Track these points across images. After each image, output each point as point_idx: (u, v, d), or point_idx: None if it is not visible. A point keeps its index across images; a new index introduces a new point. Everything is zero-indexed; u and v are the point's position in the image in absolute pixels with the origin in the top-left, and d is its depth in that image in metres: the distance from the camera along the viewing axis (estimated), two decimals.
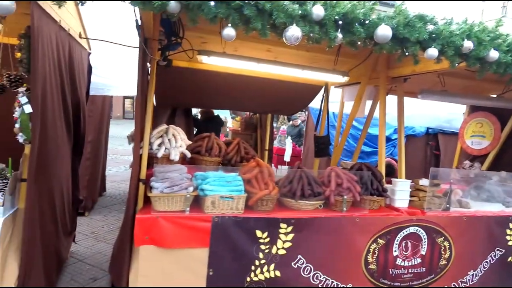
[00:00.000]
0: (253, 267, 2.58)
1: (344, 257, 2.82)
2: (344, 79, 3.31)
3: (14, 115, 2.01)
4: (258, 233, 2.56)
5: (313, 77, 3.44)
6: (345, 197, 2.81)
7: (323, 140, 4.36)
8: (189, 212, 2.45)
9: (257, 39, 3.45)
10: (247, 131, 6.54)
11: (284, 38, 1.97)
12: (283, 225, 2.61)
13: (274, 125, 8.71)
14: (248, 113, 6.89)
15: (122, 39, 3.69)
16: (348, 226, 2.80)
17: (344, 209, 2.82)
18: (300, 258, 2.69)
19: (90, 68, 3.63)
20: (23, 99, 2.00)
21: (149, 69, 2.81)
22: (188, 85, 4.15)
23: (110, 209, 5.66)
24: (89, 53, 3.63)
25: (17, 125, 1.99)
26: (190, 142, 3.10)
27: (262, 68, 3.11)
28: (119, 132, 12.73)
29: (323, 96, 4.38)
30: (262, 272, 2.60)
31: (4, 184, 2.35)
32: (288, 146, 8.35)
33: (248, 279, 2.58)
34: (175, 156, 2.82)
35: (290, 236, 2.64)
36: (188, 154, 2.96)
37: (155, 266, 2.39)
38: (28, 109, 1.98)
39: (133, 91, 5.09)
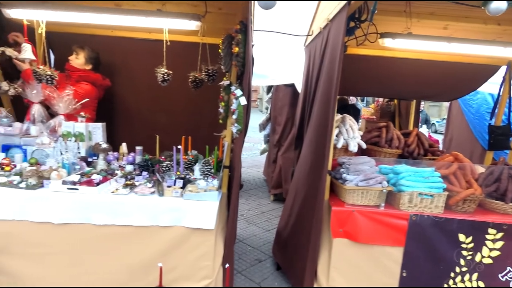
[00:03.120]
0: (452, 274, 2.30)
1: None
2: None
3: (231, 107, 2.15)
4: (461, 237, 2.26)
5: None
6: None
7: (502, 131, 3.67)
8: (383, 207, 2.31)
9: (434, 16, 3.08)
10: (383, 119, 6.07)
11: None
12: (492, 231, 2.25)
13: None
14: (382, 99, 6.38)
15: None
16: None
17: None
18: (510, 271, 2.30)
19: (253, 59, 3.78)
20: (238, 92, 2.12)
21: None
22: (344, 72, 3.99)
23: (249, 193, 5.99)
24: (253, 45, 3.77)
25: (234, 116, 2.13)
26: (361, 132, 2.94)
27: (452, 49, 2.70)
28: None
29: (503, 78, 3.67)
30: (462, 281, 2.31)
31: (208, 169, 2.59)
32: None
33: (446, 286, 2.32)
34: (354, 147, 2.71)
35: (499, 244, 2.27)
36: (364, 145, 2.81)
37: (347, 260, 2.33)
38: (243, 101, 2.09)
39: (281, 80, 5.21)
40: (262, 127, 6.99)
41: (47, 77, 2.64)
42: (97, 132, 2.98)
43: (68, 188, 2.25)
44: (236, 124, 2.12)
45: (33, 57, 2.79)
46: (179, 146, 2.65)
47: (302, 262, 2.60)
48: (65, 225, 2.24)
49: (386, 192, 2.29)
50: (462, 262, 2.28)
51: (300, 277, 2.61)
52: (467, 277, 2.30)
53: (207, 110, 3.79)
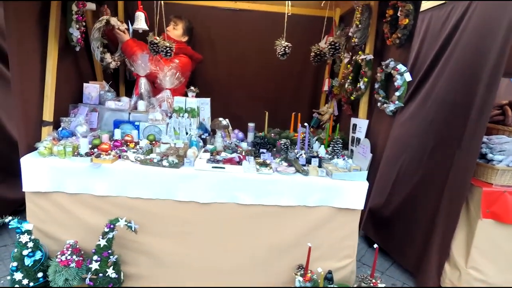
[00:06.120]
0: None
1: None
2: None
3: (395, 83, 2.03)
4: None
5: None
6: None
7: None
8: None
9: None
10: None
11: None
12: None
13: None
14: None
15: None
16: None
17: None
18: None
19: None
20: (401, 67, 1.99)
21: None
22: None
23: None
24: None
25: (397, 93, 2.01)
26: None
27: None
28: None
29: None
30: None
31: (339, 148, 2.50)
32: None
33: None
34: None
35: None
36: None
37: (489, 240, 2.32)
38: (408, 77, 1.98)
39: None
40: None
41: (167, 48, 2.49)
42: (205, 107, 2.86)
43: (213, 167, 2.16)
44: (397, 102, 2.01)
45: (146, 27, 2.61)
46: (305, 124, 2.56)
47: (420, 246, 2.58)
48: (209, 204, 2.18)
49: None
50: None
51: (417, 260, 2.59)
52: None
53: (289, 84, 3.66)
